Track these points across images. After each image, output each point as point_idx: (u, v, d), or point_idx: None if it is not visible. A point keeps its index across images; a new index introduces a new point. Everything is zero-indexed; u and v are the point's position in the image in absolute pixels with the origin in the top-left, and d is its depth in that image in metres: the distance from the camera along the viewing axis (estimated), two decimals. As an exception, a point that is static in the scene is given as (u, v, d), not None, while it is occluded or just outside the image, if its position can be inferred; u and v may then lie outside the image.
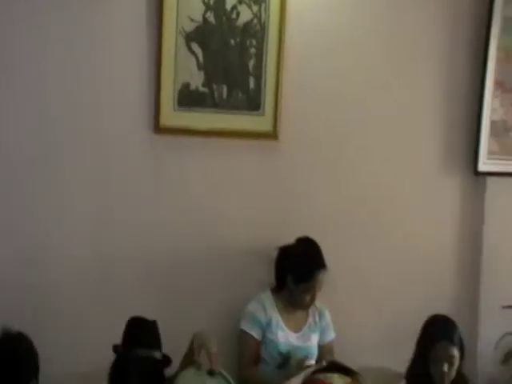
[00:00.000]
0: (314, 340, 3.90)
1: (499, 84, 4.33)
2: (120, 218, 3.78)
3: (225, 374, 3.24)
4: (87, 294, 3.72)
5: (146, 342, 3.25)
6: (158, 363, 3.26)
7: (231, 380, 3.24)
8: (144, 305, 3.60)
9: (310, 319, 3.91)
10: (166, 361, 3.28)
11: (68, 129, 3.66)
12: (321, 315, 3.94)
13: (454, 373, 3.70)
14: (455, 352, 3.68)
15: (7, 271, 3.57)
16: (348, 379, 3.55)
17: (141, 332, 3.30)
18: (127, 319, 3.30)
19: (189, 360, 3.18)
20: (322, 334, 3.94)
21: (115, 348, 3.28)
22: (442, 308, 3.95)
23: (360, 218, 4.21)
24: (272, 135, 4.04)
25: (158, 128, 3.84)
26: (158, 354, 3.25)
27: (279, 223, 4.02)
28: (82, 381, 3.46)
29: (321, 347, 3.91)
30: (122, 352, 3.27)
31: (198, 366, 3.14)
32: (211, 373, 3.15)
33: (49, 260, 3.66)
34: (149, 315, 3.31)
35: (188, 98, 3.89)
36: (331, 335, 3.97)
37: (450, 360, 3.66)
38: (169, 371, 3.26)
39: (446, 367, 3.66)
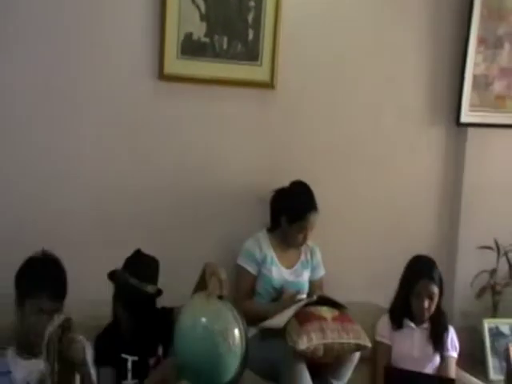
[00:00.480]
0: (306, 276, 3.93)
1: (482, 40, 4.30)
2: (125, 159, 3.81)
3: (231, 301, 3.26)
4: (96, 225, 3.78)
5: (140, 274, 3.30)
6: (148, 297, 3.33)
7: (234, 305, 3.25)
8: (147, 238, 3.63)
9: (303, 257, 3.94)
10: (158, 293, 3.35)
11: (77, 74, 3.66)
12: (312, 253, 3.98)
13: (433, 308, 3.80)
14: (435, 289, 3.77)
15: (22, 192, 3.66)
16: (336, 312, 3.62)
17: (139, 262, 3.37)
18: (132, 251, 3.37)
19: (200, 288, 3.18)
20: (313, 270, 3.98)
21: (111, 273, 3.35)
22: (424, 248, 4.02)
23: (350, 163, 4.22)
24: (269, 85, 4.02)
25: (163, 75, 3.83)
26: (149, 288, 3.31)
27: (275, 167, 4.03)
28: (90, 306, 3.48)
29: (311, 283, 3.96)
30: (115, 278, 3.35)
31: (209, 292, 3.14)
32: (221, 297, 3.16)
33: (62, 191, 3.71)
34: (151, 248, 3.38)
35: (190, 48, 3.87)
36: (321, 272, 4.01)
37: (430, 296, 3.77)
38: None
39: (426, 303, 3.77)
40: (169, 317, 3.36)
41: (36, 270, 3.12)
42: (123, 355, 3.33)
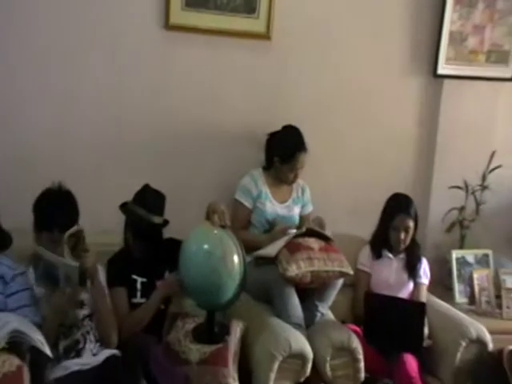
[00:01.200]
0: (296, 211, 3.98)
1: (458, 0, 4.26)
2: (135, 97, 3.84)
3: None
4: (108, 158, 3.83)
5: (148, 206, 3.39)
6: (155, 226, 3.42)
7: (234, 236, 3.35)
8: (154, 172, 3.71)
9: (294, 194, 3.98)
10: (164, 224, 3.44)
11: (94, 20, 3.70)
12: (303, 191, 4.01)
13: (408, 240, 3.88)
14: (411, 223, 3.84)
15: (41, 129, 3.70)
16: (322, 243, 3.66)
17: (147, 196, 3.42)
18: (141, 184, 3.44)
19: None
20: (303, 206, 4.02)
21: (122, 205, 3.44)
22: (401, 187, 4.07)
23: (337, 108, 4.22)
24: (265, 36, 4.00)
25: (168, 25, 3.82)
26: (156, 219, 3.40)
27: (269, 110, 4.04)
28: (104, 232, 3.55)
29: (301, 217, 3.99)
30: (126, 209, 3.43)
31: (212, 223, 3.24)
32: (223, 226, 3.27)
33: (78, 126, 3.76)
34: (157, 182, 3.46)
35: (194, 0, 3.84)
36: (310, 208, 4.05)
37: (406, 229, 3.84)
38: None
39: (402, 235, 3.84)
40: (177, 247, 3.38)
41: (50, 205, 3.16)
42: (133, 276, 3.42)
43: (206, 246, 3.24)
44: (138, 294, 3.43)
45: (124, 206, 3.44)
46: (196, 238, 3.31)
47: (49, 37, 3.64)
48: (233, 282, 3.28)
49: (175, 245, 3.38)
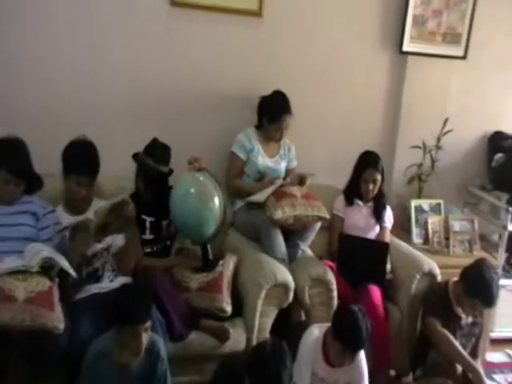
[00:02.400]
0: (283, 165, 3.96)
1: (421, -12, 4.26)
2: (145, 65, 3.80)
3: (211, 173, 3.39)
4: (123, 116, 3.79)
5: (156, 157, 3.40)
6: (162, 174, 3.43)
7: (216, 177, 3.38)
8: (161, 128, 3.67)
9: (281, 151, 3.96)
10: (170, 172, 3.45)
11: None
12: (289, 149, 3.99)
13: (376, 190, 3.91)
14: (378, 176, 3.87)
15: (73, 92, 3.69)
16: (304, 189, 3.69)
17: (156, 148, 3.44)
18: (151, 138, 3.46)
19: None
20: (289, 162, 4.00)
21: (134, 155, 3.44)
22: (371, 145, 4.07)
23: (318, 78, 4.18)
24: (258, 13, 3.95)
25: (173, 2, 3.76)
26: (163, 168, 3.41)
27: (261, 77, 3.99)
28: (118, 177, 3.54)
29: (287, 171, 3.99)
30: (137, 159, 3.44)
31: (190, 169, 3.35)
32: (199, 169, 3.34)
33: (98, 89, 3.74)
34: (164, 136, 3.48)
35: (197, -21, 3.78)
36: (294, 163, 4.03)
37: (374, 181, 3.87)
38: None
39: (371, 186, 3.87)
40: None
41: (77, 152, 3.17)
42: (143, 216, 3.43)
43: (191, 190, 3.30)
44: (147, 231, 3.45)
45: (136, 156, 3.43)
46: (181, 183, 3.37)
47: (74, 11, 3.60)
48: (214, 219, 3.33)
49: None
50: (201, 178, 3.35)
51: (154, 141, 3.44)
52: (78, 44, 3.65)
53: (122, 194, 3.38)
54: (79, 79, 3.69)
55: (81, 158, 3.17)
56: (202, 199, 3.28)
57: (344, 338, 2.92)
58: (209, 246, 3.45)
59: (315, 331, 3.10)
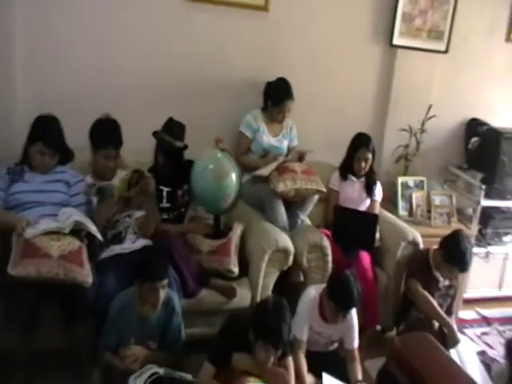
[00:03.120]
0: (285, 144, 3.95)
1: (409, -11, 4.26)
2: (163, 51, 3.78)
3: (230, 153, 3.46)
4: (143, 93, 3.78)
5: (173, 134, 3.42)
6: (178, 149, 3.44)
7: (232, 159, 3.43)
8: (178, 108, 3.65)
9: (284, 130, 3.94)
10: (185, 147, 3.46)
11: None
12: (291, 129, 3.97)
13: (367, 167, 3.91)
14: (369, 155, 3.88)
15: (100, 76, 3.68)
16: (303, 166, 3.69)
17: (172, 126, 3.45)
18: (167, 117, 3.46)
19: None
20: (290, 141, 3.99)
21: (154, 133, 3.45)
22: (364, 128, 4.08)
23: (317, 66, 4.16)
24: (264, 8, 3.92)
25: (189, -4, 3.74)
26: (178, 143, 3.42)
27: (266, 66, 3.96)
28: (139, 152, 3.52)
29: (288, 148, 3.97)
30: (156, 136, 3.45)
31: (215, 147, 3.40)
32: (222, 150, 3.38)
33: (122, 70, 3.73)
34: (180, 116, 3.47)
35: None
36: (295, 142, 4.01)
37: (366, 160, 3.88)
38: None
39: (363, 164, 3.89)
40: (192, 166, 3.43)
41: (102, 129, 3.21)
42: (160, 187, 3.43)
43: (210, 166, 3.32)
44: (164, 200, 3.46)
45: (155, 134, 3.44)
46: (202, 159, 3.38)
47: (101, 4, 3.60)
48: (231, 193, 3.35)
49: (192, 164, 3.44)
50: (219, 155, 3.37)
51: (171, 120, 3.45)
52: (103, 33, 3.63)
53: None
54: (105, 64, 3.68)
55: (106, 135, 3.20)
56: (220, 175, 3.30)
57: (338, 299, 2.95)
58: (221, 218, 3.47)
59: (312, 291, 3.13)
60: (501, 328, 4.20)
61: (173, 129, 3.43)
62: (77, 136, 3.15)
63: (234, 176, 3.35)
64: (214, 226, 3.46)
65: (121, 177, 3.16)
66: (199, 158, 3.40)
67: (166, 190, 3.47)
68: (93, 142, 3.21)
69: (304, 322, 3.04)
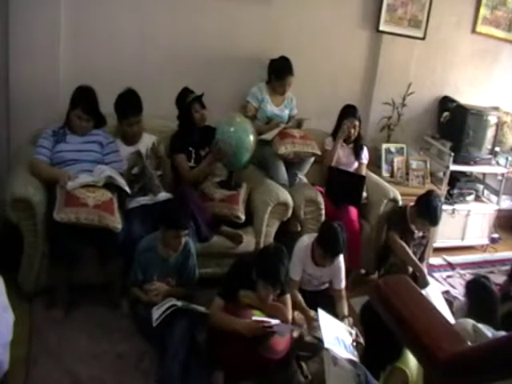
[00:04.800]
0: (286, 112, 3.83)
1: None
2: (183, 31, 3.64)
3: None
4: (166, 70, 3.65)
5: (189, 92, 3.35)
6: (197, 96, 3.37)
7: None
8: (194, 81, 3.49)
9: (285, 101, 3.82)
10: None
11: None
12: (291, 100, 3.85)
13: (355, 134, 3.80)
14: (357, 123, 3.77)
15: (129, 52, 3.56)
16: (301, 132, 3.60)
17: (188, 92, 3.35)
18: (182, 87, 3.38)
19: None
20: (291, 110, 3.85)
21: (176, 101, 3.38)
22: (352, 100, 3.95)
23: (314, 47, 4.02)
24: (269, -7, 3.80)
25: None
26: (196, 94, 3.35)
27: (271, 45, 3.82)
28: (161, 116, 3.45)
29: (289, 117, 3.85)
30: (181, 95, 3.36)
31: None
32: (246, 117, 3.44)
33: (147, 48, 3.61)
34: (196, 87, 3.39)
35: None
36: (295, 111, 3.87)
37: (354, 127, 3.76)
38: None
39: (352, 131, 3.76)
40: (210, 130, 3.33)
41: (123, 103, 3.14)
42: (189, 148, 3.35)
43: (231, 129, 3.22)
44: (192, 160, 3.35)
45: (178, 101, 3.36)
46: (227, 121, 3.28)
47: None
48: (248, 153, 3.26)
49: (210, 129, 3.35)
50: (245, 121, 3.31)
51: (184, 88, 3.37)
52: (135, 17, 3.51)
53: (164, 130, 3.41)
54: (135, 44, 3.55)
55: (127, 106, 3.12)
56: (243, 137, 3.21)
57: (325, 246, 2.92)
58: (234, 174, 3.40)
59: (306, 239, 3.09)
60: (462, 272, 4.20)
61: (189, 92, 3.36)
62: (110, 105, 3.11)
63: (251, 137, 3.26)
64: (227, 180, 3.39)
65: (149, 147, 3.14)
66: (222, 120, 3.30)
67: (193, 150, 3.37)
68: (117, 113, 3.15)
69: (298, 265, 3.00)
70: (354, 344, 2.63)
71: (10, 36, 3.19)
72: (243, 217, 3.25)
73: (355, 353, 2.54)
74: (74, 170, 2.88)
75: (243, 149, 3.22)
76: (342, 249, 2.94)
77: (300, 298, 2.97)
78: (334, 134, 3.83)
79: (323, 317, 2.63)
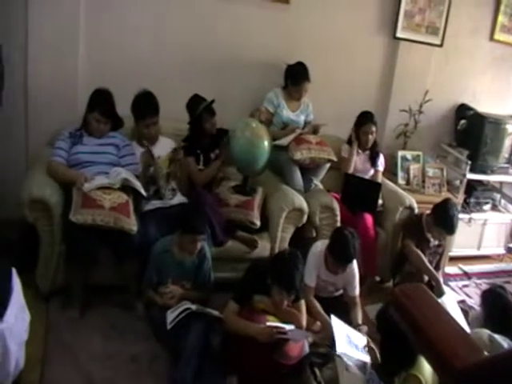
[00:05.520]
0: (302, 118, 3.83)
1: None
2: (197, 34, 3.65)
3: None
4: (180, 74, 3.67)
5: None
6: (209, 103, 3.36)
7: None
8: (208, 86, 3.56)
9: (301, 106, 3.81)
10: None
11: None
12: (307, 105, 3.84)
13: (372, 141, 3.79)
14: (374, 128, 3.74)
15: (146, 56, 3.58)
16: (318, 139, 3.60)
17: (198, 98, 3.36)
18: (192, 94, 3.39)
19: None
20: (307, 116, 3.85)
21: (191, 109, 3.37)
22: (369, 107, 3.91)
23: (331, 53, 4.01)
24: (285, 1, 3.78)
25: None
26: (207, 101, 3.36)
27: (287, 50, 3.81)
28: (176, 120, 3.44)
29: (305, 122, 3.84)
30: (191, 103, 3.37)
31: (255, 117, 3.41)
32: (261, 122, 3.38)
33: (160, 49, 3.62)
34: (211, 92, 3.40)
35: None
36: (311, 117, 3.87)
37: (371, 133, 3.75)
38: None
39: (369, 136, 3.75)
40: (223, 133, 3.36)
41: (141, 104, 3.13)
42: (197, 151, 3.36)
43: (247, 133, 3.22)
44: (201, 162, 3.37)
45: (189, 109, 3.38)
46: (241, 126, 3.28)
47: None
48: (264, 158, 3.26)
49: (222, 131, 3.38)
50: (259, 127, 3.30)
51: (195, 95, 3.38)
52: (150, 21, 3.54)
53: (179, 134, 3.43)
54: (152, 48, 3.57)
55: (144, 108, 3.13)
56: (257, 143, 3.21)
57: (336, 253, 2.93)
58: (249, 179, 3.40)
59: (319, 245, 3.09)
60: (478, 281, 4.16)
61: (200, 98, 3.38)
62: (126, 107, 3.11)
63: (266, 143, 3.25)
64: (242, 186, 3.39)
65: (163, 156, 3.13)
66: (237, 124, 3.30)
67: (202, 153, 3.38)
68: (134, 114, 3.16)
69: (312, 271, 3.00)
70: (367, 349, 2.62)
71: (29, 39, 3.24)
72: (258, 222, 3.24)
73: (367, 357, 2.54)
74: (91, 171, 2.90)
75: (258, 154, 3.22)
76: (352, 256, 2.93)
77: (317, 304, 2.96)
78: (351, 141, 3.82)
79: (336, 323, 2.63)
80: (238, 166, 3.32)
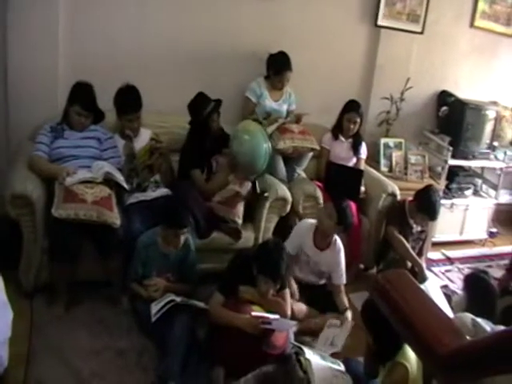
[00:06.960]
0: (285, 107, 3.80)
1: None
2: (185, 26, 3.62)
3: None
4: (165, 65, 3.63)
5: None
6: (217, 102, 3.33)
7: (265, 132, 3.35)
8: (193, 77, 3.58)
9: (284, 96, 3.77)
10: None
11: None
12: (290, 95, 3.81)
13: (355, 129, 3.79)
14: (358, 119, 3.75)
15: (127, 47, 3.52)
16: (300, 127, 3.57)
17: (204, 98, 3.32)
18: (185, 83, 3.44)
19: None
20: (289, 105, 3.82)
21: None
22: (353, 95, 3.93)
23: (314, 42, 3.99)
24: (270, -10, 3.77)
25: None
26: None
27: (271, 40, 3.77)
28: (159, 114, 3.44)
29: (287, 112, 3.80)
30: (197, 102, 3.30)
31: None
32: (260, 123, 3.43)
33: (148, 43, 3.58)
34: (196, 83, 3.43)
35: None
36: (294, 106, 3.82)
37: (354, 122, 3.76)
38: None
39: (352, 126, 3.75)
40: (226, 137, 3.33)
41: (123, 98, 3.10)
42: (200, 160, 3.31)
43: (246, 136, 3.20)
44: (204, 173, 3.32)
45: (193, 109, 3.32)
46: (241, 129, 3.26)
47: None
48: (266, 159, 3.24)
49: (226, 136, 3.36)
50: (258, 129, 3.28)
51: (200, 94, 3.32)
52: (134, 12, 3.48)
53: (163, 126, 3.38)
54: (134, 40, 3.52)
55: (126, 103, 3.09)
56: (258, 145, 3.19)
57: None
58: (257, 183, 3.31)
59: (311, 221, 3.15)
60: (460, 266, 4.20)
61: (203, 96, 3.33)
62: (108, 100, 3.07)
63: (265, 144, 3.22)
64: (252, 189, 3.29)
65: (141, 147, 3.08)
66: (237, 128, 3.28)
67: (204, 162, 3.31)
68: (117, 108, 3.12)
69: (295, 240, 3.06)
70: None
71: (9, 32, 3.17)
72: (240, 221, 3.20)
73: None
74: (73, 166, 2.86)
75: (260, 157, 3.20)
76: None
77: (294, 286, 3.01)
78: (335, 130, 3.82)
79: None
80: (243, 173, 3.25)
